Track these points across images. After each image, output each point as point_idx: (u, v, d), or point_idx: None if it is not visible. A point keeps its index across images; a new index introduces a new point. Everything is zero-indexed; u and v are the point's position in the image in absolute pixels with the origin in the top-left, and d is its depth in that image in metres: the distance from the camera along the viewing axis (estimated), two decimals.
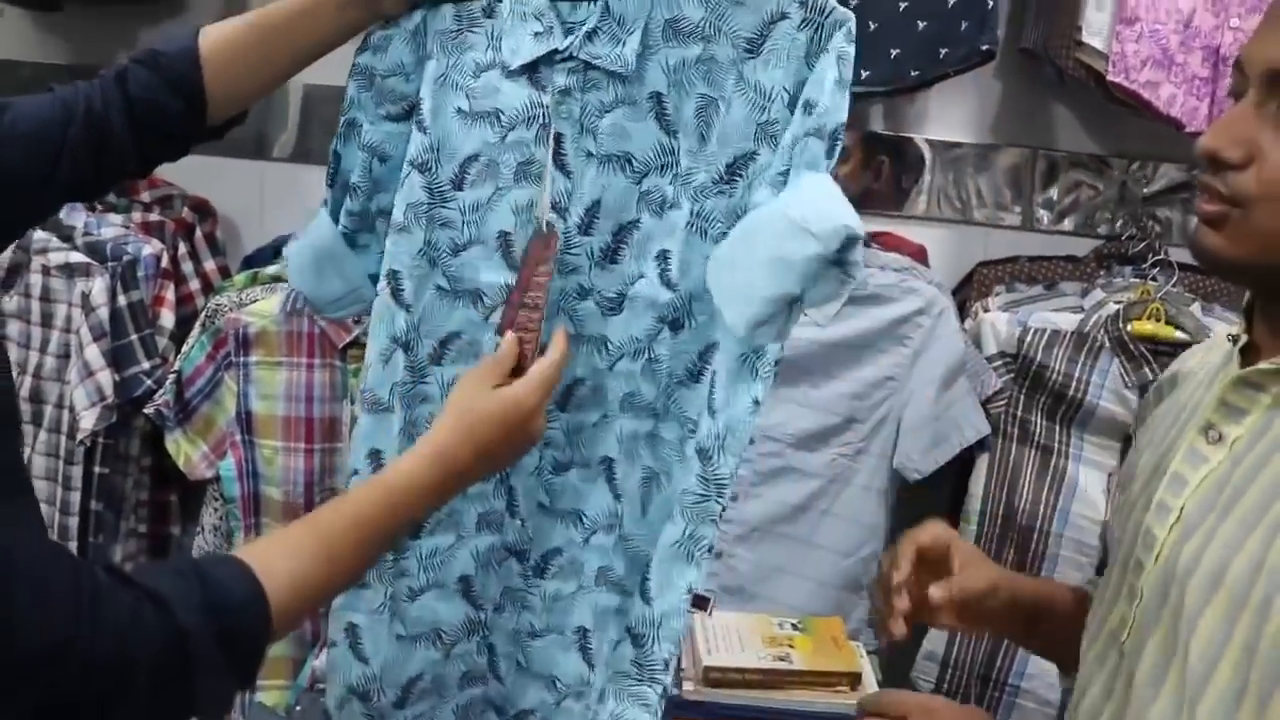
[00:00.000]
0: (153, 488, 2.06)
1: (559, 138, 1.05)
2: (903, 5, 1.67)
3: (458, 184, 1.10)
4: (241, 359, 1.84)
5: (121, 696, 0.78)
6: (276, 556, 0.88)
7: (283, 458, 1.85)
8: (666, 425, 1.07)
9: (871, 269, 1.80)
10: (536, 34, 1.05)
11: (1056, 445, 1.85)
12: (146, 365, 1.88)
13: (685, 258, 1.04)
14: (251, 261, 2.05)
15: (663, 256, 1.05)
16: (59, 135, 1.04)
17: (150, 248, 1.92)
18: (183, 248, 2.02)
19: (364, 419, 1.14)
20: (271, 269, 1.93)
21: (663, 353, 1.06)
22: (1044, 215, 2.06)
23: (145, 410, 1.87)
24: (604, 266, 1.07)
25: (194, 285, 2.04)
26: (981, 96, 2.00)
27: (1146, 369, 1.78)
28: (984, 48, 1.66)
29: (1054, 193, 2.05)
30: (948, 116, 2.03)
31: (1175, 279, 1.82)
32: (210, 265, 2.08)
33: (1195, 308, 1.83)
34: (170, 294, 1.96)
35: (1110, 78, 1.68)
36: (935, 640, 1.93)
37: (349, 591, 1.13)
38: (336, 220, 1.16)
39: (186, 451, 1.88)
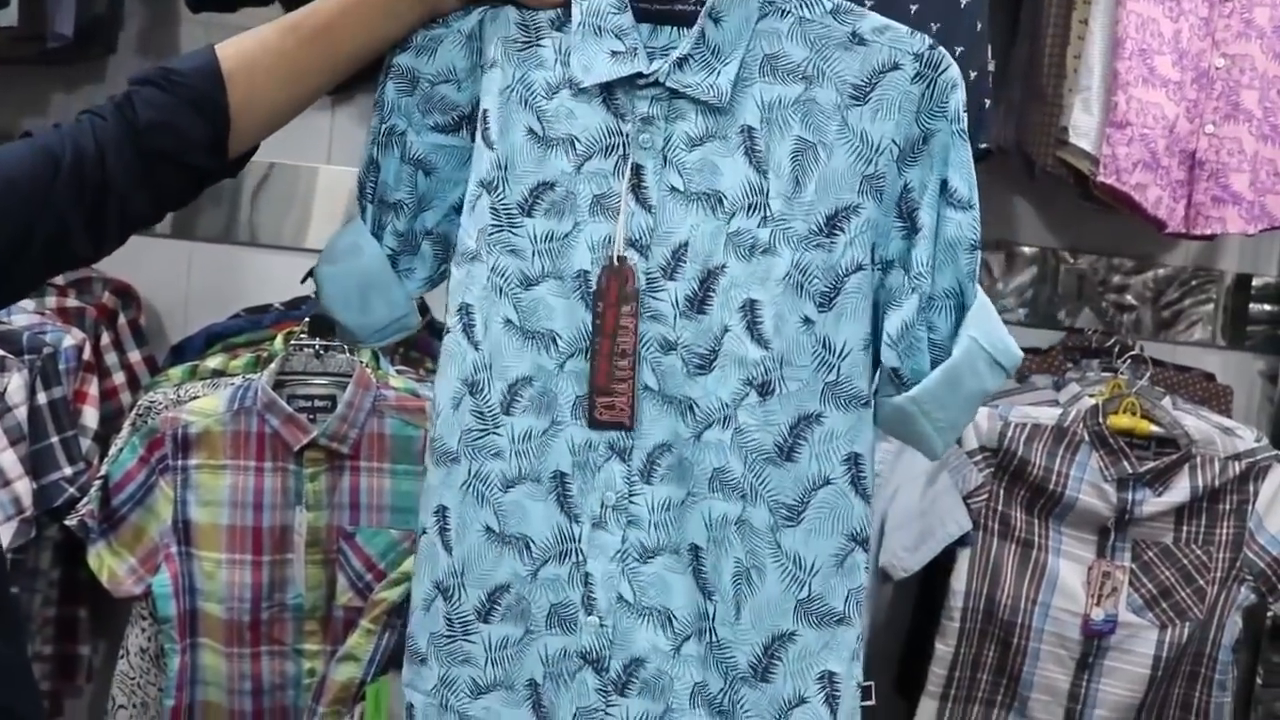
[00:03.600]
0: (60, 603, 1.85)
1: (638, 169, 0.97)
2: None
3: (527, 210, 1.00)
4: (180, 462, 1.67)
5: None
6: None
7: (226, 571, 1.67)
8: (755, 510, 0.97)
9: None
10: (615, 53, 0.97)
11: (1036, 539, 1.84)
12: (69, 471, 1.69)
13: (780, 313, 0.96)
14: (180, 351, 1.88)
15: (751, 307, 0.96)
16: (40, 191, 0.90)
17: (71, 338, 1.74)
18: (105, 337, 1.84)
19: (432, 472, 1.04)
20: (213, 362, 1.77)
21: (749, 422, 0.96)
22: (1005, 308, 2.07)
23: (66, 521, 1.67)
24: (690, 317, 0.97)
25: (119, 379, 1.86)
26: None
27: (1125, 462, 1.79)
28: (981, 146, 1.66)
29: (1015, 285, 2.07)
30: None
31: (1147, 374, 1.84)
32: (135, 356, 1.90)
33: (1166, 402, 1.85)
34: (93, 389, 1.77)
35: (1101, 179, 1.71)
36: None
37: (412, 668, 1.05)
38: (379, 239, 1.07)
39: (111, 566, 1.68)
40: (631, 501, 0.98)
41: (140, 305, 1.94)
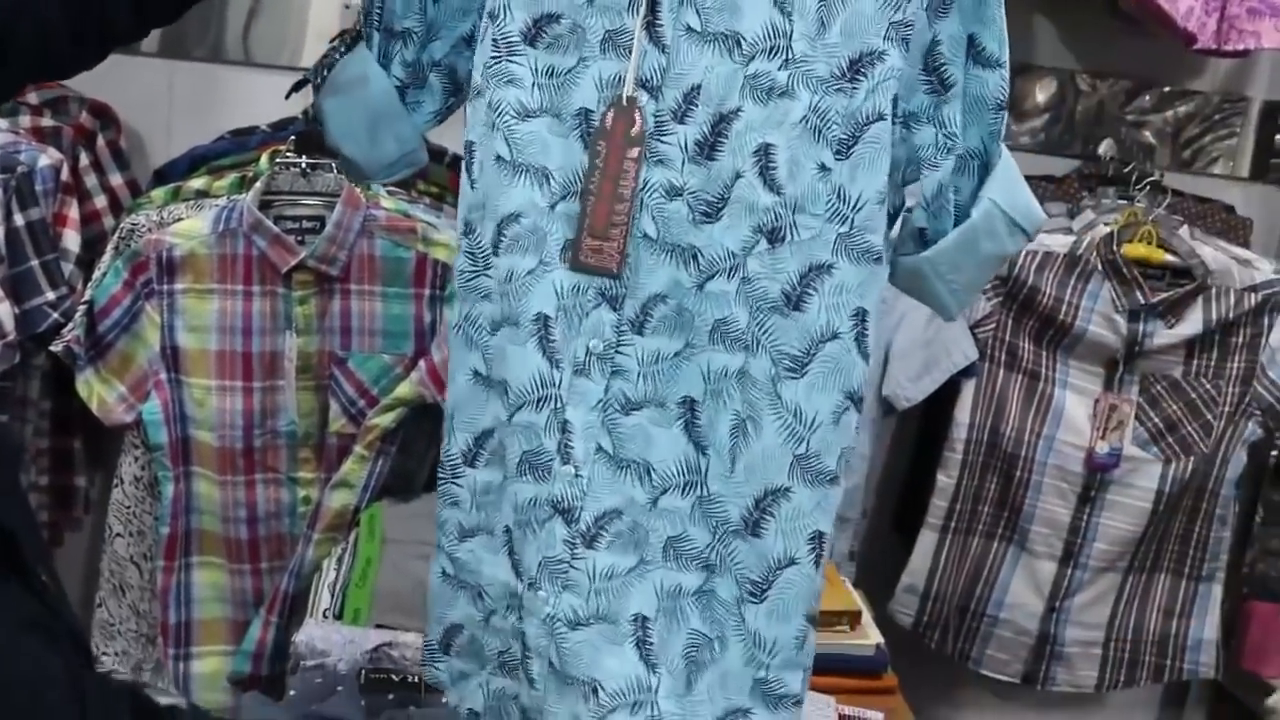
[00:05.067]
0: (53, 434, 1.83)
1: (654, 5, 0.90)
2: None
3: (530, 39, 0.94)
4: (166, 286, 1.62)
5: None
6: None
7: (216, 398, 1.64)
8: (756, 360, 0.92)
9: None
10: None
11: (1043, 370, 1.80)
12: (51, 295, 1.64)
13: (794, 158, 0.90)
14: (164, 175, 1.81)
15: (765, 152, 0.90)
16: None
17: (47, 158, 1.66)
18: (84, 158, 1.77)
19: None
20: (196, 183, 1.71)
21: (757, 270, 0.91)
22: (1020, 133, 1.99)
23: (51, 347, 1.63)
24: (699, 162, 0.91)
25: (100, 202, 1.79)
26: None
27: (1138, 292, 1.74)
28: None
29: (1032, 108, 1.98)
30: None
31: (1166, 202, 1.78)
32: (117, 179, 1.83)
33: (1184, 231, 1.79)
34: (74, 212, 1.70)
35: None
36: (915, 573, 1.88)
37: None
38: (386, 70, 1.01)
39: (100, 393, 1.65)
40: (619, 351, 0.93)
41: (120, 127, 1.86)
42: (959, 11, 0.90)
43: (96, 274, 1.64)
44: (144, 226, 1.63)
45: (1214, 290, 1.76)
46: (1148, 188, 1.81)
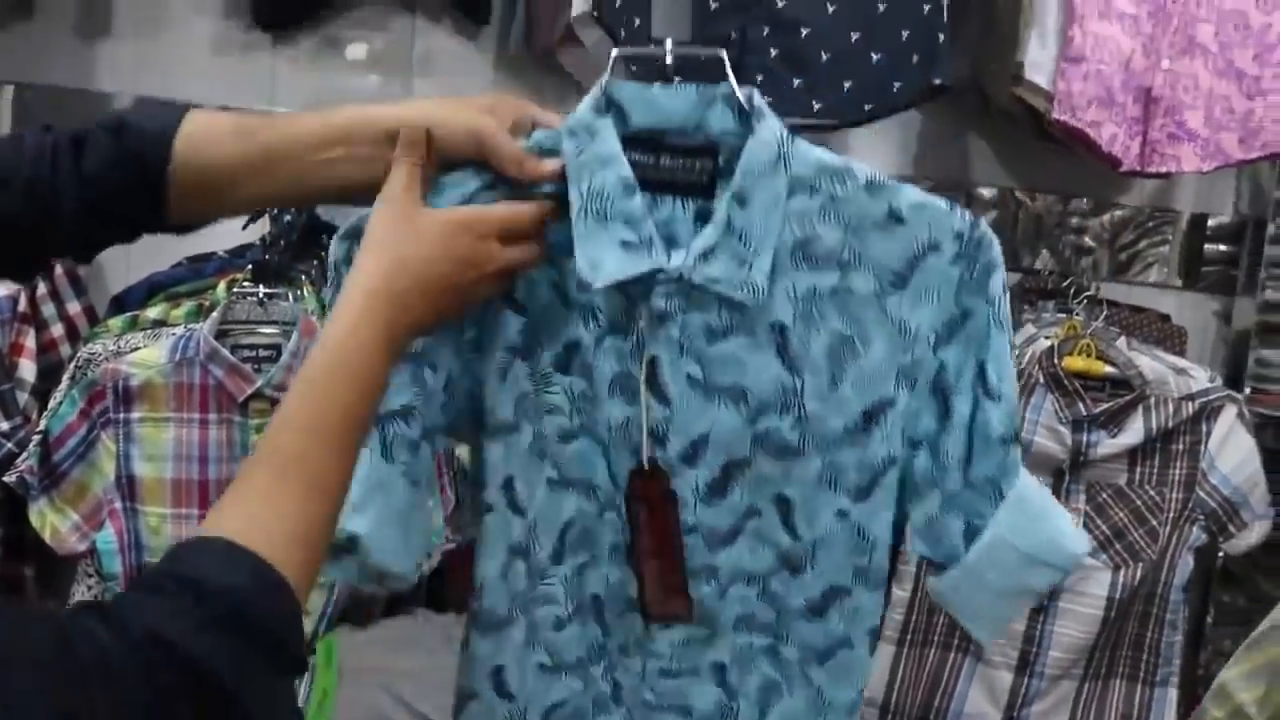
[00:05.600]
0: (5, 562, 1.81)
1: (654, 361, 0.90)
2: (855, 36, 1.62)
3: (563, 368, 0.93)
4: (122, 415, 1.63)
5: None
6: (253, 511, 0.71)
7: (172, 526, 1.64)
8: (787, 648, 0.97)
9: None
10: (627, 244, 0.87)
11: None
12: (5, 426, 1.65)
13: (812, 508, 0.92)
14: (121, 302, 1.83)
15: (783, 502, 0.93)
16: None
17: (5, 288, 1.68)
18: (42, 287, 1.78)
19: (478, 642, 1.00)
20: (153, 311, 1.72)
21: (780, 589, 0.95)
22: None
23: (4, 478, 1.62)
24: (710, 502, 0.93)
25: (57, 330, 1.80)
26: (902, 130, 1.98)
27: (1080, 404, 1.78)
28: (936, 81, 1.63)
29: None
30: (867, 148, 2.00)
31: (1103, 315, 1.84)
32: (75, 307, 1.84)
33: (1121, 342, 1.85)
34: (30, 341, 1.72)
35: (1055, 115, 1.68)
36: (873, 686, 1.89)
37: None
38: (389, 458, 0.93)
39: (54, 523, 1.64)
40: (652, 646, 0.98)
41: None
42: (965, 339, 0.90)
43: (52, 403, 1.65)
44: (101, 355, 1.64)
45: (1153, 400, 1.81)
46: (1085, 301, 1.87)
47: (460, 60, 1.95)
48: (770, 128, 0.88)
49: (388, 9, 1.93)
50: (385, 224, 0.84)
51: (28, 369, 1.71)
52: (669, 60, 0.90)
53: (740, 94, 0.89)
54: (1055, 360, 1.80)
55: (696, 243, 0.88)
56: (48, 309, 1.80)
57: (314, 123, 0.90)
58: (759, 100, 0.89)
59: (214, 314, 1.64)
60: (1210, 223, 2.17)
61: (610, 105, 0.89)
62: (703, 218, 0.90)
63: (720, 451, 0.92)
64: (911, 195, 0.90)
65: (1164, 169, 1.78)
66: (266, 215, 1.69)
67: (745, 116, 0.88)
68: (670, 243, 0.90)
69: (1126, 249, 2.15)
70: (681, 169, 0.90)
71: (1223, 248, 2.19)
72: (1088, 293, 1.86)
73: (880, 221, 0.88)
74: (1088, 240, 2.11)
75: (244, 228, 1.76)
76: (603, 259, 0.87)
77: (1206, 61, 1.75)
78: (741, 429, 0.91)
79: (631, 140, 0.89)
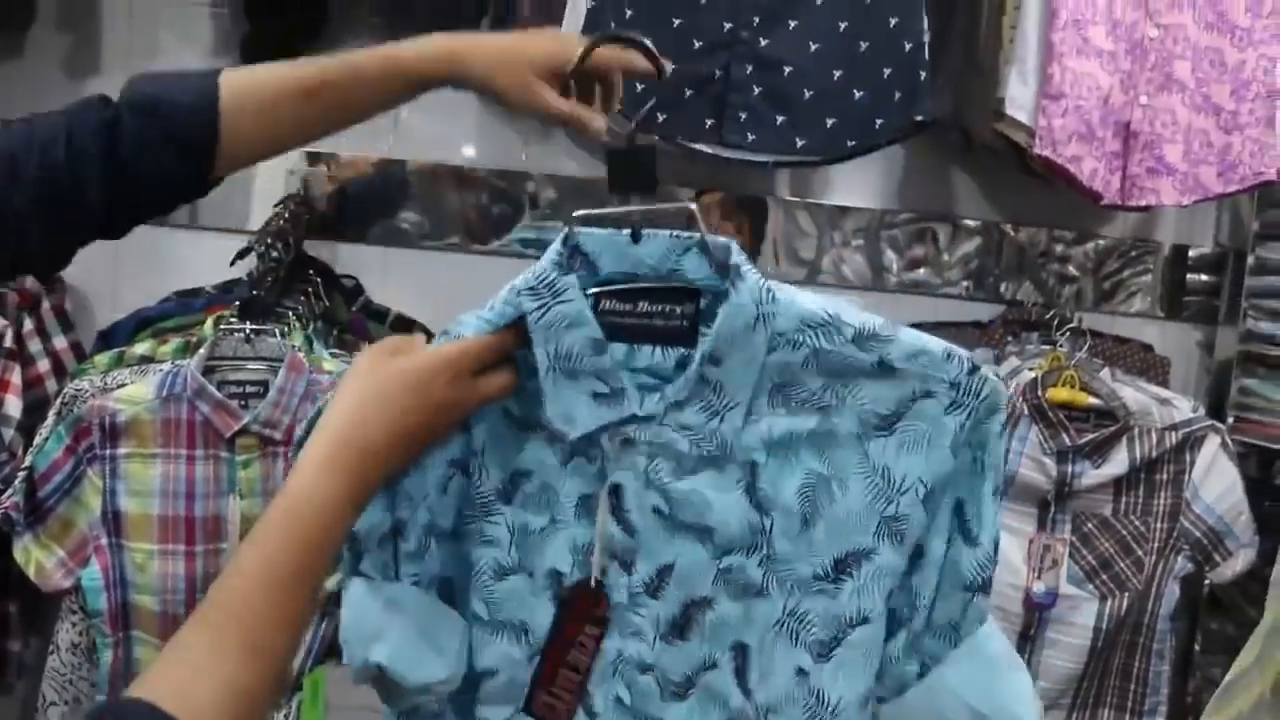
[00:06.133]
0: None
1: (617, 489, 0.87)
2: (837, 74, 1.65)
3: (505, 496, 0.91)
4: (109, 451, 1.62)
5: None
6: (187, 675, 0.68)
7: (158, 562, 1.64)
8: None
9: None
10: (597, 395, 0.86)
11: None
12: None
13: (767, 662, 0.87)
14: (108, 337, 1.83)
15: (739, 650, 0.88)
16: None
17: None
18: (28, 323, 1.79)
19: None
20: (140, 348, 1.72)
21: None
22: (947, 281, 2.07)
23: None
24: (670, 642, 0.89)
25: (43, 366, 1.80)
26: (886, 163, 2.00)
27: (1064, 435, 1.80)
28: (918, 118, 1.65)
29: (956, 258, 2.07)
30: (851, 182, 2.02)
31: (1086, 346, 1.85)
32: (61, 343, 1.84)
33: (1105, 373, 1.86)
34: (16, 377, 1.72)
35: (1037, 151, 1.70)
36: None
37: None
38: (394, 577, 0.91)
39: (38, 559, 1.64)
40: None
41: (65, 290, 1.89)
42: (952, 477, 0.85)
43: (38, 439, 1.65)
44: (87, 392, 1.64)
45: (1136, 430, 1.82)
46: (1069, 332, 1.88)
47: (448, 99, 1.96)
48: (748, 288, 0.84)
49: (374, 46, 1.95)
50: (363, 372, 0.83)
51: (13, 405, 1.71)
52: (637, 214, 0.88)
53: (715, 249, 0.86)
54: (1039, 392, 1.81)
55: (669, 390, 0.86)
56: (34, 345, 1.80)
57: (373, 67, 0.98)
58: (736, 256, 0.85)
59: (201, 350, 1.64)
60: (1191, 253, 2.19)
61: (576, 258, 0.87)
62: (683, 365, 0.87)
63: (683, 586, 0.88)
64: (906, 344, 0.84)
65: (1144, 202, 1.80)
66: (254, 252, 1.70)
67: (723, 268, 0.86)
68: (645, 386, 0.88)
69: (1110, 277, 2.17)
70: (660, 314, 0.88)
71: (1204, 278, 2.21)
72: (1071, 325, 1.87)
73: (870, 371, 0.84)
74: (1071, 269, 2.13)
75: (231, 264, 1.77)
76: (575, 412, 0.86)
77: (1184, 97, 1.78)
78: (705, 564, 0.87)
79: (606, 284, 0.87)
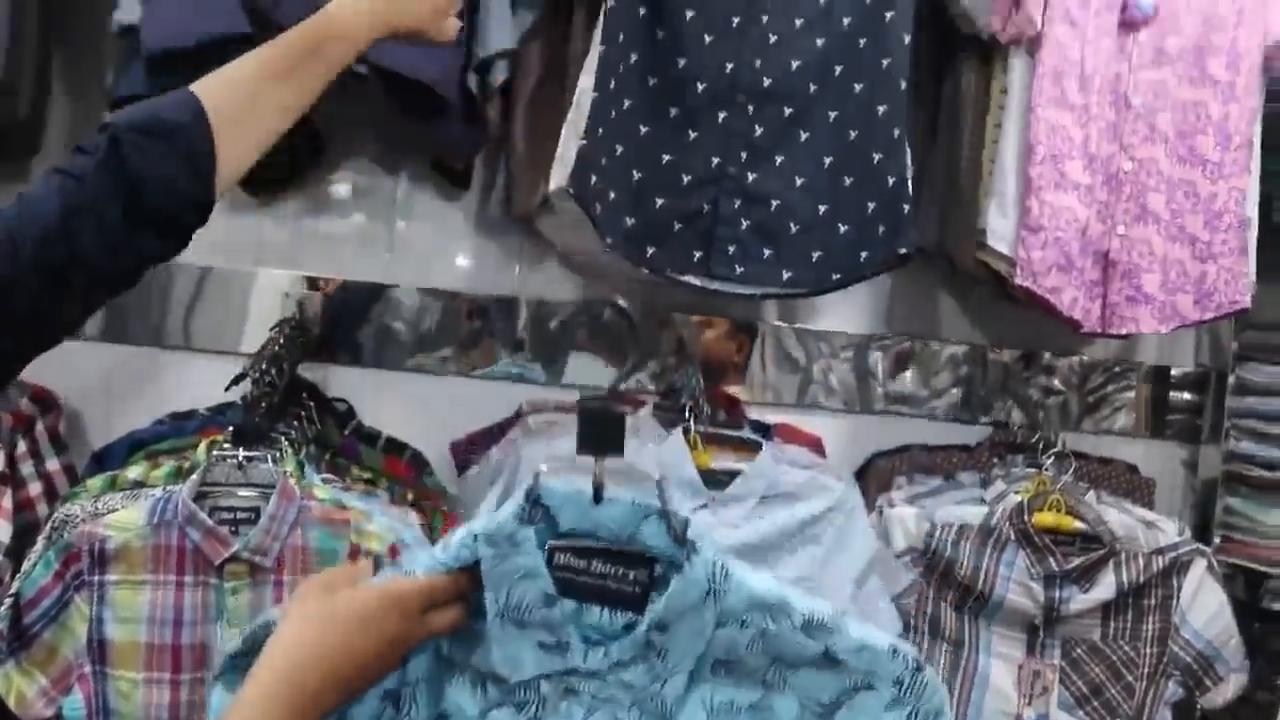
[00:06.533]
0: None
1: None
2: (823, 208, 1.69)
3: None
4: (97, 578, 1.61)
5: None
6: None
7: (143, 691, 1.62)
8: None
9: (781, 466, 1.77)
10: (543, 645, 0.88)
11: (966, 639, 1.84)
12: None
13: None
14: (102, 459, 1.83)
15: None
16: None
17: None
18: (21, 446, 1.79)
19: None
20: (133, 472, 1.73)
21: None
22: (932, 404, 2.10)
23: None
24: None
25: (34, 489, 1.80)
26: (872, 287, 2.04)
27: (1051, 560, 1.80)
28: (901, 251, 1.69)
29: (941, 381, 2.10)
30: (838, 307, 2.06)
31: (1071, 469, 1.87)
32: (54, 465, 1.85)
33: (1090, 497, 1.88)
34: (7, 501, 1.72)
35: (1018, 282, 1.74)
36: None
37: None
38: None
39: (20, 687, 1.62)
40: None
41: (60, 411, 1.90)
42: None
43: (26, 565, 1.64)
44: (78, 517, 1.64)
45: (1123, 555, 1.83)
46: (1054, 456, 1.90)
47: (441, 223, 2.01)
48: (703, 562, 0.86)
49: (372, 171, 2.00)
50: (304, 612, 0.83)
51: (3, 529, 1.71)
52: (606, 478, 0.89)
53: (675, 522, 0.88)
54: (1026, 516, 1.82)
55: (614, 649, 0.87)
56: (26, 468, 1.80)
57: (321, 36, 1.05)
58: (695, 529, 0.88)
59: (193, 477, 1.64)
60: (1174, 372, 2.23)
61: (537, 510, 0.89)
62: (630, 628, 0.89)
63: None
64: (853, 637, 0.87)
65: (1124, 330, 1.84)
66: (249, 378, 1.72)
67: (680, 540, 0.88)
68: (590, 640, 0.89)
69: (1093, 395, 2.20)
70: (613, 577, 0.90)
71: (1187, 396, 2.24)
72: (1055, 449, 1.89)
73: (814, 659, 0.87)
74: (1055, 387, 2.16)
75: (226, 389, 1.79)
76: (521, 657, 0.87)
77: (1159, 228, 1.83)
78: None
79: (563, 538, 0.89)
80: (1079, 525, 1.83)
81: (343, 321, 1.99)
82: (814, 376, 2.07)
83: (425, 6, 1.19)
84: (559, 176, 1.57)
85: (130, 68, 1.61)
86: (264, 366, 1.73)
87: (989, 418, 2.10)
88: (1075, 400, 2.18)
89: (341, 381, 1.98)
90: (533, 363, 1.99)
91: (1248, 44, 1.82)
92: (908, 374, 2.10)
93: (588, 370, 1.96)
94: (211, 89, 0.98)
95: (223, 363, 1.91)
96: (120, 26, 1.56)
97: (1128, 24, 1.79)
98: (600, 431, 0.88)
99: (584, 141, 1.57)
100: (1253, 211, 1.87)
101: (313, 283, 1.98)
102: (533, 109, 1.76)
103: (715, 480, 1.73)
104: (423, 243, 2.01)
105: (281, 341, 1.80)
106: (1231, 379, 2.14)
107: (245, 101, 0.99)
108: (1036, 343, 2.13)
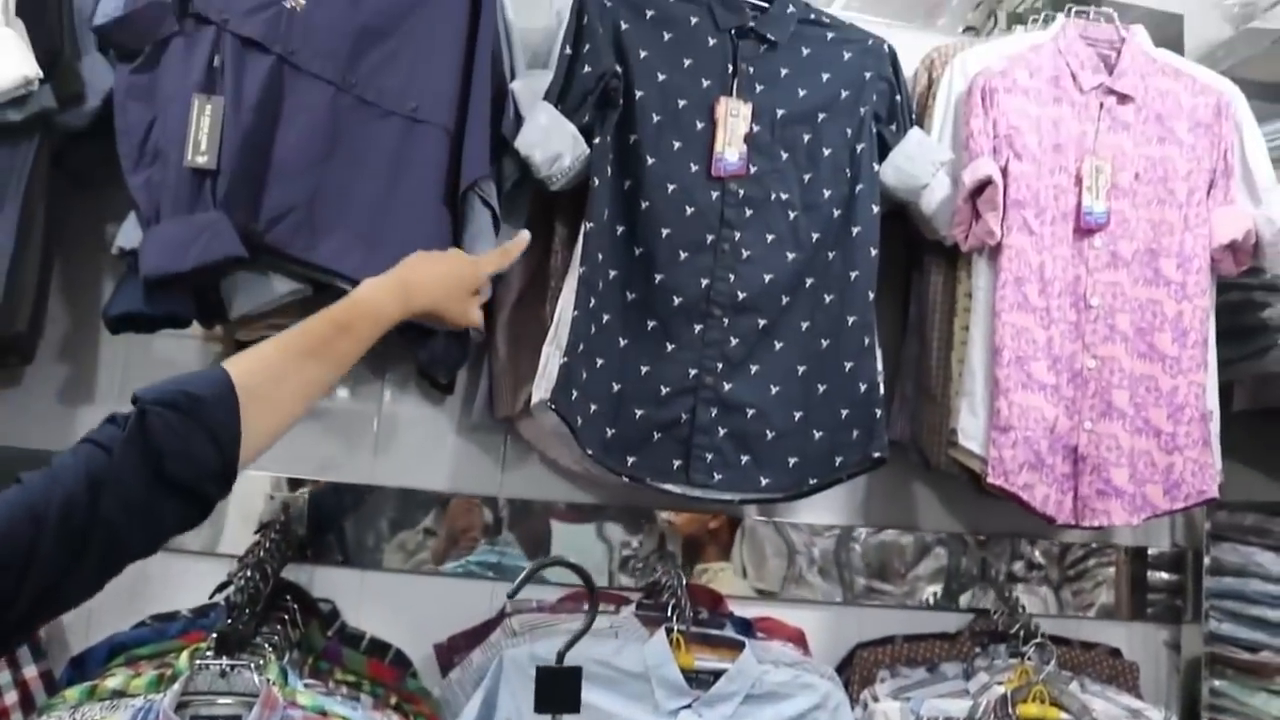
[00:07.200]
0: None
1: None
2: (797, 415, 1.74)
3: None
4: None
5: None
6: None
7: None
8: None
9: (765, 665, 1.77)
10: None
11: None
12: None
13: None
14: (81, 663, 1.81)
15: None
16: (19, 554, 0.89)
17: None
18: None
19: None
20: (112, 681, 1.71)
21: None
22: (912, 593, 2.12)
23: None
24: None
25: (10, 698, 1.78)
26: (850, 481, 2.07)
27: None
28: (875, 455, 1.73)
29: (921, 570, 2.12)
30: (817, 500, 2.08)
31: (1053, 659, 1.87)
32: (31, 672, 1.83)
33: (1074, 686, 1.88)
34: None
35: (990, 480, 1.78)
36: None
37: None
38: None
39: None
40: None
41: None
42: None
43: None
44: None
45: None
46: (1036, 646, 1.90)
47: (425, 425, 2.04)
48: None
49: (357, 374, 2.04)
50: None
51: None
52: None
53: None
54: (1010, 709, 1.81)
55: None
56: (2, 676, 1.78)
57: (349, 317, 1.18)
58: None
59: (175, 686, 1.63)
60: (1151, 552, 2.26)
61: None
62: None
63: None
64: None
65: (1096, 523, 1.87)
66: (233, 585, 1.72)
67: None
68: None
69: (1073, 574, 2.22)
70: None
71: (1166, 576, 2.26)
72: (1035, 640, 1.90)
73: None
74: (1034, 574, 2.17)
75: (211, 596, 1.79)
76: None
77: (1124, 423, 1.88)
78: None
79: None
80: (1064, 716, 1.82)
81: (327, 522, 2.00)
82: (795, 568, 2.08)
83: (450, 292, 1.34)
84: (542, 390, 1.61)
85: (127, 285, 1.67)
86: (249, 573, 1.74)
87: (970, 604, 2.11)
88: (1054, 583, 2.20)
89: (325, 581, 1.98)
90: (501, 562, 1.99)
91: (1194, 247, 1.91)
92: (886, 565, 2.12)
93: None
94: (243, 367, 1.04)
95: (203, 562, 1.91)
96: (120, 250, 1.62)
97: (1083, 230, 1.88)
98: (556, 688, 0.90)
99: (565, 359, 1.62)
100: (1214, 404, 1.93)
101: (297, 484, 2.00)
102: (515, 318, 1.82)
103: (699, 680, 1.73)
104: (405, 446, 2.03)
105: (267, 547, 1.81)
106: (1207, 559, 2.17)
107: (274, 379, 1.06)
108: (1014, 528, 2.15)
